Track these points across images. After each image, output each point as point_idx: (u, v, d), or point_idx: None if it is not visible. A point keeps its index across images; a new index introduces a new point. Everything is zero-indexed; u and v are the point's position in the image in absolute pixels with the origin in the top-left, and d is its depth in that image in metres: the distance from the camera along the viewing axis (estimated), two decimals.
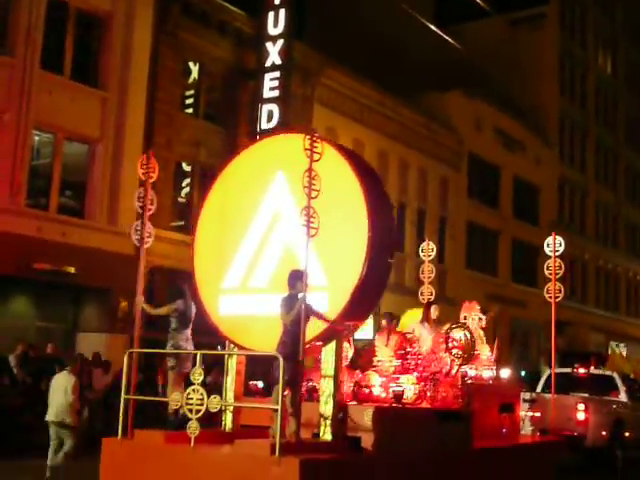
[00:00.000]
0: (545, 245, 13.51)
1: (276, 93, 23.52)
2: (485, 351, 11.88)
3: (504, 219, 39.53)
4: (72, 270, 19.52)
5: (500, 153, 39.13)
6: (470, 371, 11.13)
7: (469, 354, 10.74)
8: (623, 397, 18.26)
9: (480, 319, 12.00)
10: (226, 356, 9.69)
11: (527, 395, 14.31)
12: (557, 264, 13.23)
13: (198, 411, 8.10)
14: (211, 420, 9.24)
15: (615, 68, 53.36)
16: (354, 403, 9.51)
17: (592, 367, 19.16)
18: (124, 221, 21.02)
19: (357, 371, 10.04)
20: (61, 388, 11.73)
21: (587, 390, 17.73)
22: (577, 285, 44.58)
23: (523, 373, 28.35)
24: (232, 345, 9.53)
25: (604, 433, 16.88)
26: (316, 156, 8.31)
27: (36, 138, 20.17)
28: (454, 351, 10.56)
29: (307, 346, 8.41)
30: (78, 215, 20.64)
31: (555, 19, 46.01)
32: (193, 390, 8.16)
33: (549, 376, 17.93)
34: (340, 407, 8.71)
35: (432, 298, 13.06)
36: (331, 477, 8.09)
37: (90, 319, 21.00)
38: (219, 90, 24.71)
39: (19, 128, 19.10)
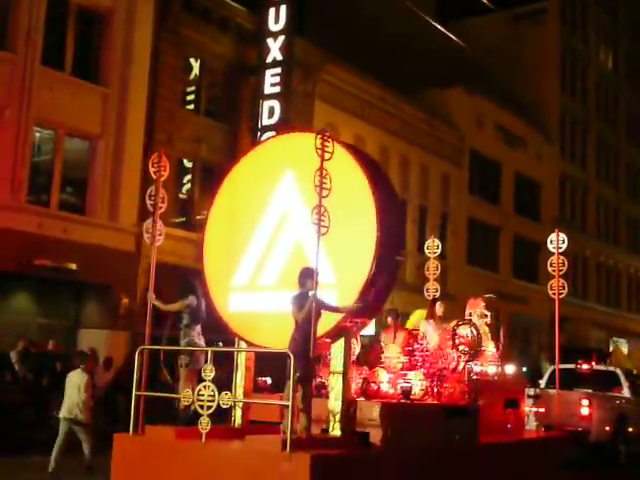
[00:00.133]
0: (548, 242, 13.54)
1: (277, 89, 23.51)
2: (490, 347, 11.96)
3: (505, 215, 39.52)
4: (73, 266, 19.52)
5: (501, 149, 39.10)
6: (475, 367, 11.20)
7: (475, 350, 10.83)
8: (626, 393, 18.32)
9: (485, 315, 12.08)
10: (236, 353, 9.76)
11: (531, 391, 14.38)
12: (560, 261, 13.23)
13: (209, 407, 8.19)
14: (222, 416, 9.29)
15: (616, 64, 53.30)
16: (362, 399, 9.59)
17: (593, 363, 19.19)
18: (125, 218, 21.06)
19: (364, 367, 10.12)
20: (75, 386, 11.87)
21: (590, 386, 17.79)
22: (578, 281, 44.57)
23: (524, 369, 28.34)
24: (241, 342, 9.61)
25: (608, 428, 16.94)
26: (327, 155, 8.38)
27: (37, 134, 20.17)
28: (461, 347, 10.65)
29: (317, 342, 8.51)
30: (79, 211, 20.64)
31: (556, 15, 45.95)
32: (204, 386, 8.26)
33: (552, 372, 18.02)
34: (349, 403, 8.78)
35: (437, 295, 13.16)
36: (341, 472, 8.18)
37: (91, 315, 21.00)
38: (220, 86, 24.68)
39: (20, 124, 19.09)
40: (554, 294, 13.37)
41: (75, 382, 11.93)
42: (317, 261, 8.29)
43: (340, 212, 8.57)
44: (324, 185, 8.31)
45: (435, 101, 34.95)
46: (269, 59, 23.66)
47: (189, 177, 23.65)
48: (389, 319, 11.07)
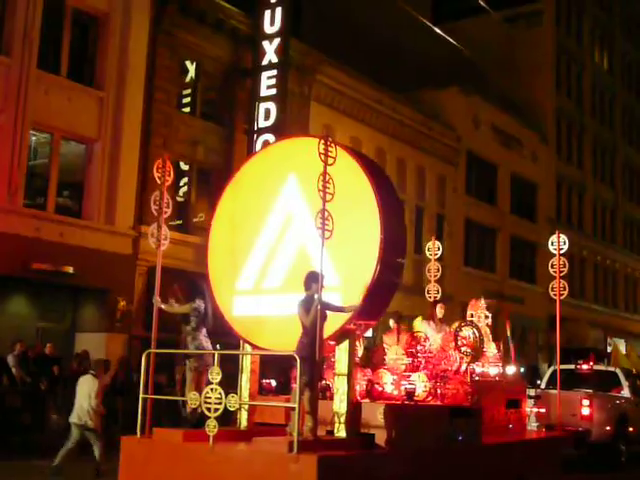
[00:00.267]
0: (549, 243, 13.63)
1: (273, 91, 23.52)
2: (491, 348, 12.05)
3: (502, 216, 39.56)
4: (70, 270, 19.51)
5: (497, 150, 39.15)
6: (477, 368, 11.30)
7: (478, 352, 10.95)
8: (626, 393, 18.39)
9: (486, 317, 12.18)
10: (241, 355, 9.85)
11: (532, 391, 14.47)
12: (561, 262, 13.33)
13: (217, 410, 8.26)
14: (225, 418, 9.35)
15: (611, 64, 53.42)
16: (367, 401, 9.68)
17: (591, 363, 19.25)
18: (122, 221, 21.06)
19: (368, 369, 10.21)
20: (85, 392, 11.93)
21: (590, 386, 17.85)
22: (575, 281, 44.64)
23: (522, 369, 28.40)
24: (246, 344, 9.71)
25: (608, 428, 17.02)
26: (330, 160, 8.48)
27: (33, 138, 20.16)
28: (463, 349, 10.76)
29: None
30: (76, 215, 20.63)
31: (551, 16, 46.05)
32: (211, 389, 8.32)
33: (553, 372, 18.12)
34: (354, 405, 8.86)
35: (438, 296, 13.27)
36: (347, 473, 8.27)
37: (88, 319, 21.00)
38: (216, 89, 24.71)
39: (16, 128, 19.07)
40: (555, 295, 13.45)
41: (86, 388, 11.99)
42: (322, 265, 8.37)
43: (343, 215, 8.66)
44: (328, 190, 8.40)
45: (431, 102, 35.01)
46: (265, 61, 23.67)
47: (186, 180, 23.65)
48: (391, 321, 11.15)
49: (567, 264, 13.41)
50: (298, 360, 7.93)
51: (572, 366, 18.47)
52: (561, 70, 46.76)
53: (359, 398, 9.57)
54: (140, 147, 21.69)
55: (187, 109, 24.05)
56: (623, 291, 52.79)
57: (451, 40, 40.92)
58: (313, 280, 8.47)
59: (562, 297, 13.39)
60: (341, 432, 8.67)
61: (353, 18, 35.54)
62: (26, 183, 19.49)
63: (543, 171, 43.22)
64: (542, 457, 12.15)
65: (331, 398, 9.04)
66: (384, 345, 10.93)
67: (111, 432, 13.98)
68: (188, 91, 24.19)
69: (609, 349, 43.55)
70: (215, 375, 8.34)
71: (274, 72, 23.59)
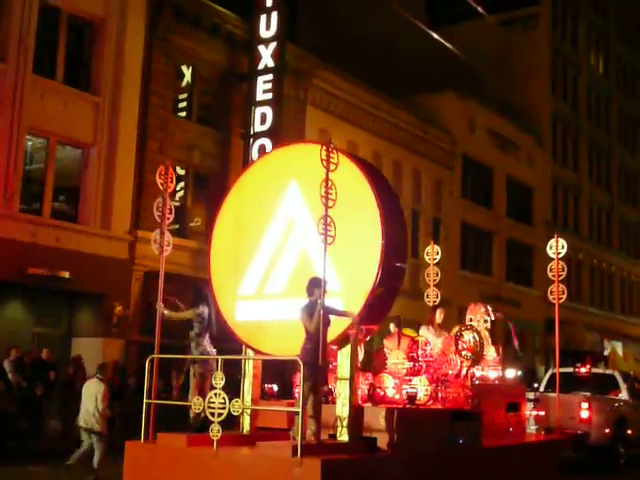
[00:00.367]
0: (548, 248, 13.74)
1: (269, 96, 23.53)
2: (491, 352, 12.12)
3: (498, 219, 39.59)
4: (66, 275, 19.49)
5: (493, 153, 39.19)
6: (477, 372, 11.38)
7: (478, 356, 11.03)
8: (625, 395, 18.43)
9: (485, 321, 12.23)
10: (243, 360, 9.93)
11: (531, 394, 14.52)
12: (560, 266, 13.41)
13: (220, 414, 8.33)
14: (231, 423, 9.42)
15: (607, 68, 53.53)
16: (369, 404, 9.78)
17: (588, 366, 19.27)
18: (118, 225, 21.06)
19: (369, 373, 10.30)
20: (91, 395, 11.99)
21: (589, 389, 17.89)
22: (572, 284, 44.67)
23: (519, 373, 28.40)
24: (248, 349, 9.81)
25: (607, 431, 17.05)
26: (332, 166, 8.58)
27: (29, 143, 20.15)
28: (464, 353, 10.84)
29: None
30: (72, 220, 20.61)
31: (547, 19, 46.12)
32: (215, 394, 8.40)
33: (551, 375, 18.18)
34: (356, 409, 8.96)
35: (437, 301, 13.35)
36: (350, 476, 8.35)
37: (85, 324, 20.97)
38: (212, 93, 24.71)
39: (12, 133, 19.07)
40: (554, 299, 13.52)
41: (92, 392, 12.04)
42: (324, 270, 8.45)
43: (345, 221, 8.74)
44: (330, 195, 8.49)
45: (427, 106, 35.02)
46: (261, 66, 23.68)
47: (182, 184, 23.64)
48: (392, 325, 11.20)
49: (565, 268, 13.49)
50: (302, 365, 8.02)
51: (570, 369, 18.49)
52: (557, 73, 46.84)
53: (360, 402, 9.62)
54: (136, 152, 21.69)
55: (183, 114, 24.07)
56: (619, 294, 52.84)
57: (447, 44, 40.99)
58: (316, 286, 8.54)
59: (561, 301, 13.47)
60: (343, 436, 8.76)
61: (349, 22, 35.60)
62: (22, 188, 19.47)
63: (539, 174, 43.27)
64: (541, 460, 12.22)
65: (333, 402, 9.11)
66: (385, 349, 10.99)
67: (109, 436, 13.97)
68: (184, 96, 24.21)
69: (606, 352, 43.61)
70: (219, 380, 8.42)
71: (270, 76, 23.61)
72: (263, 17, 23.80)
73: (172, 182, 9.98)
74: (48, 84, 20.05)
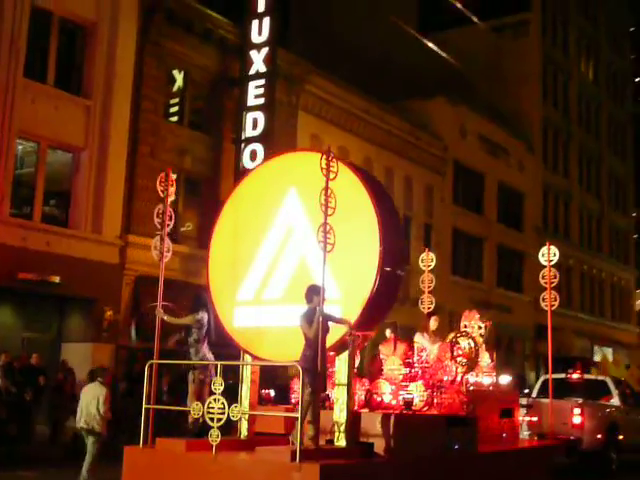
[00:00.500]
0: (540, 255, 13.86)
1: (261, 101, 23.51)
2: (485, 358, 12.19)
3: (489, 225, 39.66)
4: (57, 280, 19.40)
5: (484, 159, 39.28)
6: (471, 378, 11.49)
7: (473, 362, 11.16)
8: (616, 401, 18.52)
9: (480, 327, 12.34)
10: (241, 366, 10.00)
11: (524, 400, 14.60)
12: (552, 274, 13.51)
13: (219, 420, 8.42)
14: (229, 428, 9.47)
15: (597, 75, 53.76)
16: (366, 410, 9.89)
17: (578, 372, 19.36)
18: (108, 230, 20.99)
19: (365, 379, 10.37)
20: (93, 398, 12.18)
21: (581, 395, 17.97)
22: (562, 290, 44.72)
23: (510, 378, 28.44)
24: (246, 355, 9.91)
25: (599, 436, 17.14)
26: (331, 175, 8.68)
27: (20, 147, 20.06)
28: (459, 359, 10.93)
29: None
30: (62, 224, 20.53)
31: (538, 26, 46.30)
32: (214, 399, 8.49)
33: (543, 381, 18.30)
34: (353, 414, 9.05)
35: (432, 308, 13.44)
36: None
37: (75, 329, 20.87)
38: (204, 98, 24.68)
39: (2, 137, 18.99)
40: (546, 305, 13.61)
41: (93, 394, 12.23)
42: (323, 278, 8.53)
43: (344, 228, 8.83)
44: (329, 204, 8.59)
45: (418, 112, 35.09)
46: (252, 71, 23.66)
47: (173, 189, 23.54)
48: (388, 331, 11.26)
49: (558, 275, 13.60)
50: (302, 371, 8.14)
51: (562, 375, 18.57)
52: (547, 80, 47.02)
53: (357, 408, 9.72)
54: (127, 156, 21.64)
55: (174, 118, 24.03)
56: (609, 300, 53.00)
57: (438, 50, 41.09)
58: (314, 293, 8.64)
59: (553, 308, 13.58)
60: (341, 441, 8.84)
61: (340, 28, 35.67)
62: (12, 192, 19.39)
63: (530, 180, 43.39)
64: (535, 465, 12.36)
65: (331, 408, 9.20)
66: (380, 355, 11.05)
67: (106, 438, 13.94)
68: (176, 100, 24.18)
69: (596, 358, 43.74)
70: (218, 385, 8.51)
71: (262, 81, 23.60)
72: (255, 22, 23.79)
73: (173, 188, 10.13)
74: (39, 88, 19.99)
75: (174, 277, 19.75)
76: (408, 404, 10.06)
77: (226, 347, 10.05)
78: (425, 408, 10.24)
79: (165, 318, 9.82)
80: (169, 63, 23.42)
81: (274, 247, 9.90)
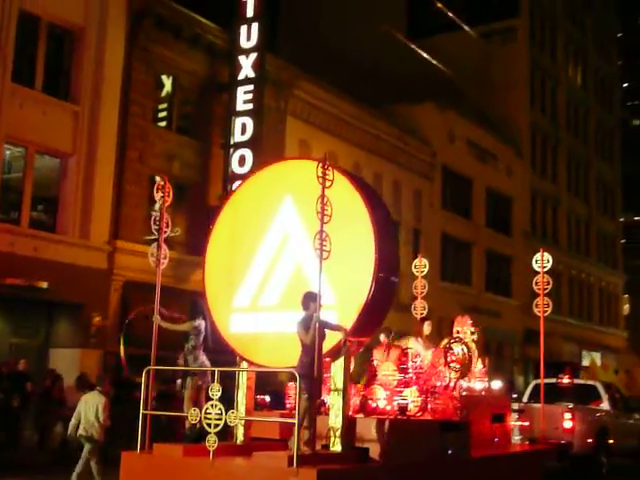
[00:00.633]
0: (533, 262, 13.99)
1: (249, 106, 23.52)
2: (477, 363, 12.27)
3: (477, 230, 39.76)
4: (44, 285, 19.32)
5: (472, 164, 39.40)
6: (463, 383, 11.55)
7: (466, 368, 11.23)
8: (606, 406, 18.63)
9: (472, 333, 12.41)
10: (237, 372, 10.05)
11: (515, 405, 14.69)
12: (545, 280, 13.64)
13: (217, 425, 8.49)
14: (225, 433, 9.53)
15: (585, 80, 54.00)
16: (361, 416, 9.97)
17: (567, 376, 19.45)
18: (96, 235, 20.93)
19: (358, 385, 10.45)
20: (92, 406, 12.27)
21: (571, 399, 18.07)
22: (551, 295, 44.76)
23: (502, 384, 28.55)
24: (242, 361, 9.97)
25: (590, 441, 17.23)
26: (327, 183, 8.76)
27: (7, 152, 20.01)
28: (452, 365, 11.01)
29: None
30: (50, 230, 20.47)
31: (526, 32, 46.52)
32: (212, 405, 8.55)
33: (534, 386, 18.41)
34: (349, 420, 9.13)
35: (425, 313, 13.50)
36: None
37: (63, 334, 20.79)
38: (192, 103, 24.66)
39: None
40: (539, 311, 13.70)
41: (93, 403, 12.32)
42: (320, 285, 8.61)
43: (339, 235, 8.89)
44: (325, 212, 8.66)
45: (406, 117, 35.18)
46: (241, 76, 23.67)
47: (161, 194, 23.49)
48: (381, 336, 11.31)
49: (551, 282, 13.73)
50: (299, 378, 8.22)
51: (553, 380, 18.67)
52: (535, 85, 47.21)
53: (352, 413, 9.80)
54: (115, 161, 21.60)
55: (163, 123, 24.00)
56: (597, 305, 53.19)
57: (427, 56, 41.20)
58: (311, 300, 8.72)
59: (546, 314, 13.69)
60: (337, 446, 8.90)
61: (329, 34, 35.71)
62: (0, 197, 19.30)
63: (518, 185, 43.53)
64: (527, 470, 12.46)
65: (326, 413, 9.26)
66: (374, 361, 11.12)
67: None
68: (164, 105, 24.14)
69: (584, 362, 43.88)
70: (216, 392, 8.56)
71: (250, 87, 23.61)
72: (244, 28, 23.81)
73: (169, 196, 10.21)
74: (27, 93, 19.93)
75: (163, 282, 19.70)
76: (403, 409, 10.13)
77: (222, 354, 10.11)
78: (419, 413, 10.32)
79: (162, 325, 9.86)
80: (158, 68, 23.39)
81: (270, 254, 9.99)
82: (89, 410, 12.28)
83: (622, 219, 59.84)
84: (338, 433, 8.89)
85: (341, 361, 9.10)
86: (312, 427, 8.67)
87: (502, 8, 46.19)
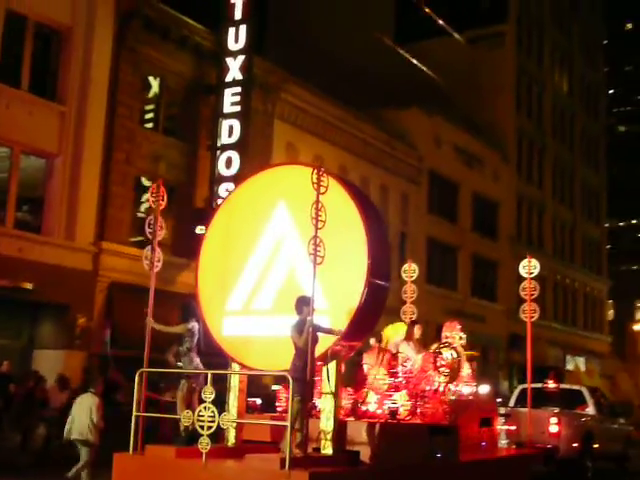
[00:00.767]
0: (520, 267, 14.07)
1: (237, 108, 23.49)
2: (465, 368, 12.33)
3: (463, 234, 39.85)
4: (29, 286, 19.23)
5: (459, 169, 39.50)
6: (452, 387, 11.61)
7: (455, 372, 11.39)
8: (591, 410, 18.75)
9: (461, 338, 12.46)
10: (229, 374, 10.13)
11: (502, 410, 14.78)
12: (532, 285, 13.77)
13: (210, 427, 8.57)
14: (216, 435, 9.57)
15: (571, 87, 54.28)
16: (352, 419, 10.02)
17: (551, 381, 19.54)
18: (82, 237, 20.84)
19: (349, 388, 10.45)
20: (86, 408, 12.26)
21: (557, 404, 18.17)
22: (537, 300, 44.93)
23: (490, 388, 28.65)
24: (234, 364, 10.04)
25: (575, 445, 17.37)
26: (322, 189, 8.85)
27: None
28: (441, 369, 11.13)
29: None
30: (35, 230, 20.37)
31: (513, 38, 46.72)
32: (205, 407, 8.63)
33: (521, 391, 18.52)
34: (340, 423, 9.21)
35: (414, 317, 13.61)
36: None
37: (47, 336, 20.68)
38: (179, 105, 24.61)
39: None
40: (526, 317, 13.84)
41: (86, 404, 12.31)
42: (313, 290, 8.68)
43: (332, 241, 8.95)
44: (320, 217, 8.74)
45: (393, 122, 35.23)
46: (229, 78, 23.64)
47: (147, 195, 23.46)
48: (372, 340, 11.37)
49: (538, 287, 13.82)
50: (291, 381, 8.28)
51: (539, 384, 18.78)
52: (522, 91, 47.40)
53: (343, 416, 9.82)
54: (102, 162, 21.52)
55: (150, 125, 23.93)
56: (582, 310, 53.42)
57: (414, 61, 41.30)
58: (304, 304, 8.82)
59: (533, 319, 13.78)
60: (328, 449, 8.99)
61: (317, 37, 35.75)
62: None
63: (504, 190, 43.67)
64: (514, 473, 12.61)
65: (317, 417, 9.33)
66: (364, 364, 11.17)
67: (67, 451, 13.78)
68: (151, 107, 24.08)
69: (568, 367, 44.07)
70: (209, 394, 8.63)
71: (238, 89, 23.58)
72: (232, 30, 23.78)
73: (164, 200, 10.21)
74: (13, 93, 19.83)
75: (147, 284, 19.64)
76: (393, 413, 10.23)
77: (215, 356, 10.18)
78: (409, 417, 10.41)
79: (156, 327, 9.92)
80: (145, 69, 23.33)
81: (263, 258, 10.07)
82: (83, 412, 12.25)
83: (607, 225, 60.17)
84: (329, 436, 8.97)
85: (333, 365, 9.20)
86: (304, 430, 8.72)
87: (490, 14, 46.39)
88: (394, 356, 11.15)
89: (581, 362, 47.68)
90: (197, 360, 9.95)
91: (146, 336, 9.91)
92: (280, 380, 12.23)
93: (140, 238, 22.46)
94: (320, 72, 31.41)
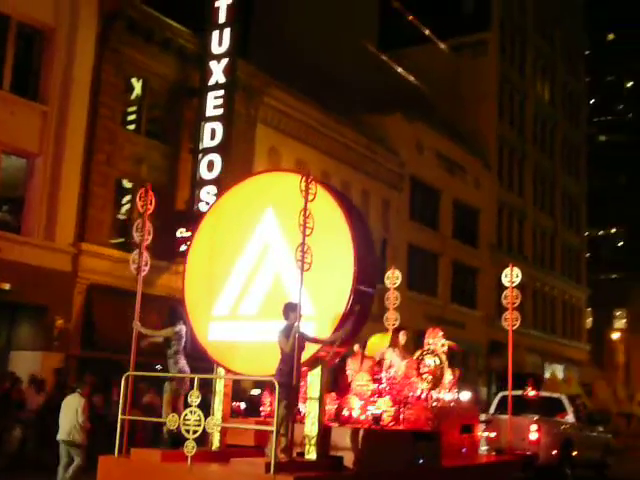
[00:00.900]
0: (503, 276, 14.13)
1: (219, 112, 23.47)
2: (447, 375, 12.40)
3: (444, 241, 39.96)
4: (7, 287, 19.10)
5: (441, 176, 39.63)
6: (434, 394, 11.69)
7: (438, 379, 11.53)
8: (571, 418, 18.88)
9: (443, 345, 12.53)
10: (214, 379, 10.17)
11: (483, 416, 14.87)
12: (515, 294, 13.85)
13: (195, 431, 8.63)
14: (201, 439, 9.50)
15: (553, 95, 54.65)
16: (336, 424, 10.07)
17: (530, 389, 19.63)
18: (61, 238, 20.72)
19: (332, 393, 10.52)
20: (72, 409, 12.27)
21: (536, 411, 18.27)
22: (517, 307, 45.07)
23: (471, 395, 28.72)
24: (219, 368, 10.11)
25: (554, 452, 17.49)
26: (310, 197, 8.94)
27: None
28: (424, 376, 11.29)
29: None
30: (15, 230, 20.23)
31: (495, 46, 46.98)
32: (190, 411, 8.70)
33: (501, 398, 18.63)
34: (324, 428, 9.29)
35: (397, 324, 13.69)
36: None
37: (25, 337, 20.53)
38: (162, 107, 24.55)
39: None
40: (507, 325, 13.92)
41: (72, 405, 12.30)
42: (300, 296, 8.77)
43: (319, 248, 9.03)
44: (308, 224, 8.83)
45: (375, 127, 35.31)
46: (212, 81, 23.62)
47: (128, 197, 23.40)
48: (356, 346, 11.42)
49: (520, 296, 13.90)
50: (277, 386, 8.36)
51: (519, 392, 18.89)
52: (504, 99, 47.67)
53: (327, 422, 9.89)
54: (83, 163, 21.43)
55: (132, 126, 23.85)
56: (561, 317, 53.70)
57: (397, 67, 41.41)
58: (291, 310, 8.91)
59: (515, 327, 13.85)
60: (311, 454, 9.05)
61: (300, 42, 35.74)
62: None
63: (485, 197, 43.86)
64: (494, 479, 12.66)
65: (301, 421, 9.38)
66: (347, 370, 11.24)
67: (44, 452, 13.70)
68: (133, 108, 24.00)
69: (546, 375, 44.26)
70: (195, 398, 8.70)
71: (221, 92, 23.56)
72: (215, 33, 23.77)
73: (152, 204, 10.26)
74: None
75: (128, 286, 19.57)
76: (376, 419, 10.28)
77: (201, 360, 10.22)
78: (392, 423, 10.46)
79: (142, 331, 9.97)
80: (128, 71, 23.26)
81: (250, 264, 10.13)
82: (69, 413, 12.28)
83: (587, 234, 60.55)
84: (313, 441, 9.04)
85: (318, 370, 9.28)
86: (289, 434, 8.78)
87: (473, 22, 46.64)
88: (378, 362, 11.23)
89: (559, 370, 47.88)
90: (183, 362, 9.99)
91: (132, 340, 9.94)
92: (260, 385, 12.31)
93: (121, 240, 22.41)
94: (303, 77, 31.41)
